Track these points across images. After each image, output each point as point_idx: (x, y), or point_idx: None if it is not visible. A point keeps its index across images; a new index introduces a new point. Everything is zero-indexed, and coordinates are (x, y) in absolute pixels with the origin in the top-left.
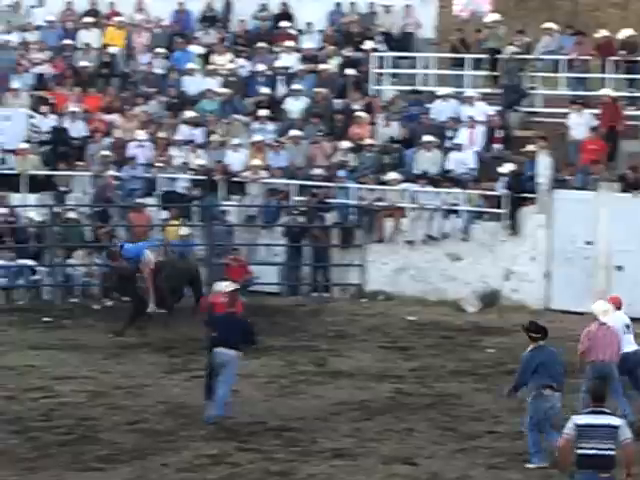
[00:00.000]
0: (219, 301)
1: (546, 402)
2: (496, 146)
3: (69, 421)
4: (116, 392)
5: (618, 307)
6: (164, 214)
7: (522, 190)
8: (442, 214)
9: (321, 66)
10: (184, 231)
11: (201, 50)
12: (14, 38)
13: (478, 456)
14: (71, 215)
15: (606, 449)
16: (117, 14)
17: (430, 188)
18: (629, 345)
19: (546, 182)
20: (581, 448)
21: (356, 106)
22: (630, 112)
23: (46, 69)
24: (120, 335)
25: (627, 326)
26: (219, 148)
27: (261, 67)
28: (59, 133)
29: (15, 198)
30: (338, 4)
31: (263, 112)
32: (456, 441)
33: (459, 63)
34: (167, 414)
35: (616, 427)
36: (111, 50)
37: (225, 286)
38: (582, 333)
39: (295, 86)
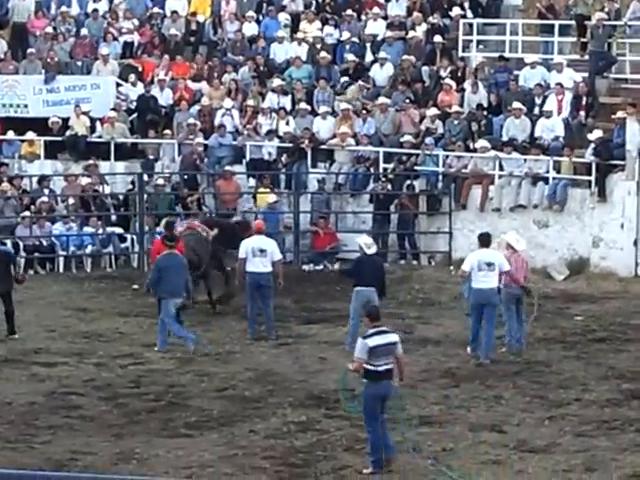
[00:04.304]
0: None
1: (172, 306)
2: (583, 113)
3: (158, 388)
4: (204, 359)
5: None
6: (252, 181)
7: (610, 157)
8: (530, 181)
9: (409, 33)
10: (272, 198)
11: (289, 17)
12: (102, 7)
13: (566, 424)
14: (160, 183)
15: (390, 362)
16: None
17: (518, 155)
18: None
19: (635, 149)
20: (373, 365)
21: (443, 73)
22: None
23: (134, 37)
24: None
25: (488, 264)
26: (306, 115)
27: (348, 34)
28: (146, 101)
29: (103, 166)
30: None
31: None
32: (544, 409)
33: (547, 29)
34: (255, 381)
35: (396, 343)
36: (199, 18)
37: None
38: None
39: (382, 54)
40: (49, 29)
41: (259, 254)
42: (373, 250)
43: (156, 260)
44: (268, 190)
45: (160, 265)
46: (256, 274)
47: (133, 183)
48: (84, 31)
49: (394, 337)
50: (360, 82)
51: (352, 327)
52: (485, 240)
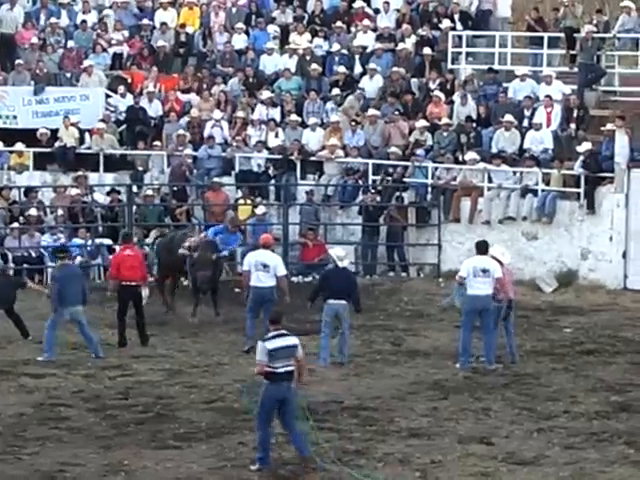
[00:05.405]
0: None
1: (66, 315)
2: (572, 125)
3: (146, 399)
4: (193, 371)
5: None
6: (241, 193)
7: (599, 169)
8: (519, 194)
9: (398, 45)
10: (261, 210)
11: (278, 29)
12: (91, 18)
13: (555, 436)
14: (149, 194)
15: (290, 365)
16: None
17: (507, 167)
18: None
19: (624, 161)
20: (273, 367)
21: (432, 85)
22: None
23: (123, 49)
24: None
25: (484, 270)
26: (296, 127)
27: (338, 46)
28: (136, 113)
29: (92, 177)
30: None
31: (337, 91)
32: (533, 421)
33: (536, 42)
34: (244, 392)
35: (296, 346)
36: (188, 30)
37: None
38: None
39: (371, 65)
40: (36, 40)
41: (262, 269)
42: (345, 263)
43: (52, 273)
44: (249, 202)
45: (57, 277)
46: (259, 288)
47: (109, 194)
48: (72, 43)
49: (294, 340)
50: (358, 91)
51: (322, 340)
52: (482, 247)
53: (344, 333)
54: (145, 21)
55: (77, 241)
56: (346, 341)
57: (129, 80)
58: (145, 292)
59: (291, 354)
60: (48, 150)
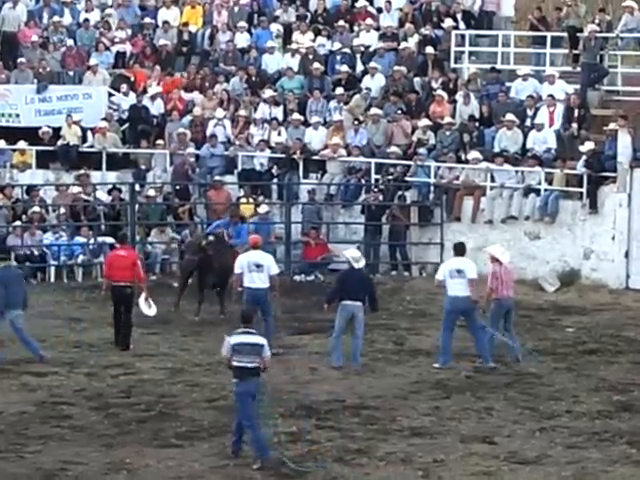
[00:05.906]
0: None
1: (7, 318)
2: (575, 125)
3: (148, 398)
4: (195, 369)
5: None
6: (243, 192)
7: (602, 169)
8: (522, 193)
9: (401, 44)
10: (263, 209)
11: (281, 28)
12: (94, 16)
13: (557, 435)
14: (151, 193)
15: (255, 361)
16: None
17: (509, 167)
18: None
19: (626, 161)
20: (240, 362)
21: (435, 84)
22: None
23: (126, 47)
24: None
25: (458, 271)
26: (299, 126)
27: (340, 45)
28: (138, 111)
29: (95, 176)
30: None
31: (341, 90)
32: (535, 420)
33: (539, 41)
34: None
35: (262, 345)
36: (190, 28)
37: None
38: (489, 275)
39: (372, 64)
40: (37, 38)
41: (255, 269)
42: (361, 264)
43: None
44: (252, 201)
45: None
46: (253, 290)
47: (110, 192)
48: (71, 42)
49: (260, 340)
50: (364, 91)
51: (334, 340)
52: (459, 249)
53: (358, 336)
54: (148, 20)
55: (79, 239)
56: (358, 345)
57: (132, 79)
58: (142, 295)
59: (256, 352)
60: (51, 148)
